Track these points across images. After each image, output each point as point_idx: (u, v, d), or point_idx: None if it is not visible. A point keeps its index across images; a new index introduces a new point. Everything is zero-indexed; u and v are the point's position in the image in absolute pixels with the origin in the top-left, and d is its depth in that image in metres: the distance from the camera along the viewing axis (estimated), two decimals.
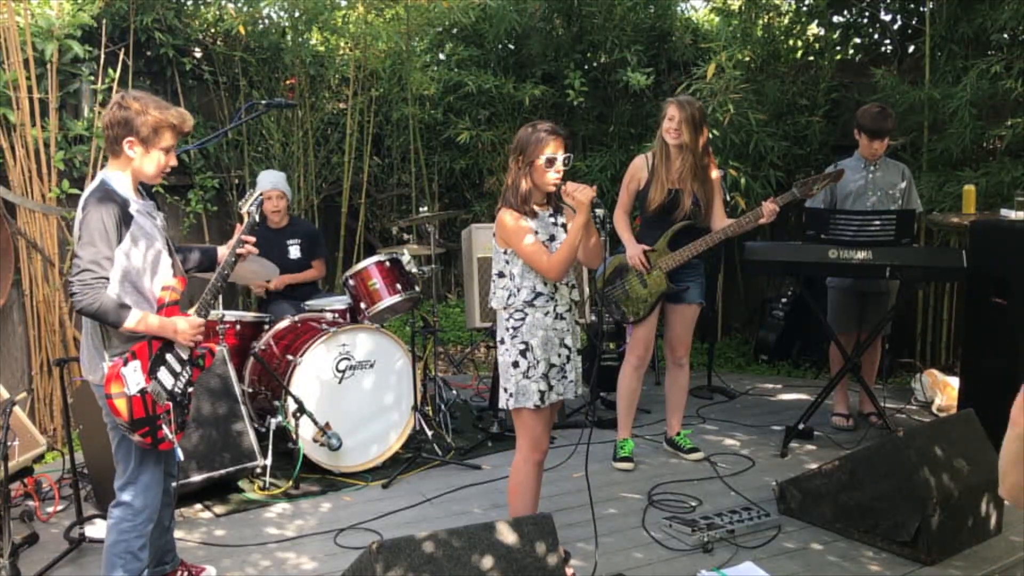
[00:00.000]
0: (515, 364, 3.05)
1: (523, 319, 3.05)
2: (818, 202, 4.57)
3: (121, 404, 2.70)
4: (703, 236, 4.12)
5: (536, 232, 3.04)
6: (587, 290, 5.20)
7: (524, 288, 3.05)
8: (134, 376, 2.73)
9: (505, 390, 3.09)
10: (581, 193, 2.93)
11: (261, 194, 3.22)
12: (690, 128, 4.03)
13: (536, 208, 3.08)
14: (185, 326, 2.84)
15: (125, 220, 2.73)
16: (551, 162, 3.00)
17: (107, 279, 2.68)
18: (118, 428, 2.80)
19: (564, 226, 3.13)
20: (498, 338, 3.14)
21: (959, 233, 5.20)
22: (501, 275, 3.12)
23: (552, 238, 3.09)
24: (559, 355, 3.09)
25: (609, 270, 4.29)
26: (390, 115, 6.76)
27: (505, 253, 3.08)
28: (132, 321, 2.70)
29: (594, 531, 3.28)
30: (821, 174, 4.29)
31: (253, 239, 3.06)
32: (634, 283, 4.19)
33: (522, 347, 3.05)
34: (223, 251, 3.13)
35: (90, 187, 2.79)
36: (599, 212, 3.01)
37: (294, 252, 5.15)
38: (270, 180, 5.06)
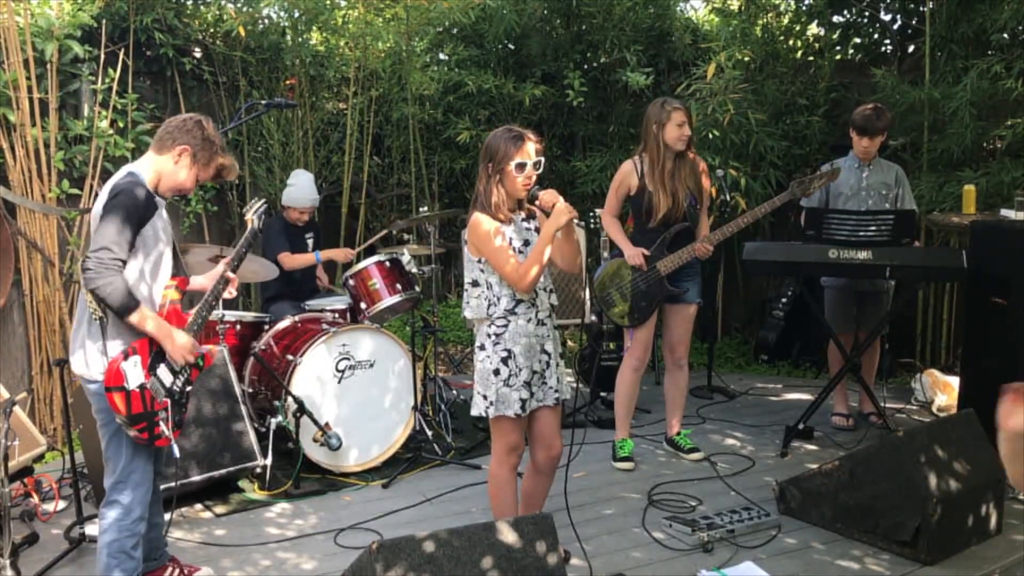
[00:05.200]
0: (496, 372, 3.00)
1: (505, 326, 3.00)
2: (812, 201, 4.58)
3: (119, 399, 2.71)
4: (700, 239, 4.15)
5: (511, 239, 3.00)
6: (586, 292, 5.20)
7: (504, 296, 3.00)
8: (134, 371, 2.74)
9: (484, 397, 3.02)
10: (560, 204, 2.87)
11: (265, 202, 3.23)
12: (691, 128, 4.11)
13: (510, 214, 3.03)
14: (184, 340, 2.85)
15: (149, 211, 2.79)
16: (521, 167, 2.94)
17: (124, 261, 2.71)
18: (110, 424, 2.81)
19: (538, 230, 3.06)
20: (477, 344, 3.08)
21: (959, 233, 5.20)
22: (475, 284, 3.04)
23: (527, 243, 3.04)
24: (540, 361, 3.06)
25: (607, 272, 4.29)
26: (390, 115, 6.76)
27: (480, 262, 3.02)
28: (136, 316, 2.71)
29: (575, 533, 3.28)
30: (818, 173, 4.30)
31: (236, 279, 3.09)
32: (632, 286, 4.19)
33: (504, 354, 2.99)
34: (201, 281, 3.12)
35: (118, 176, 2.83)
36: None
37: (311, 244, 5.22)
38: (309, 198, 5.07)
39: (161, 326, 2.80)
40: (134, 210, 2.72)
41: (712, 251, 4.17)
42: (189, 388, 2.96)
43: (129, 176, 2.81)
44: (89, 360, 2.79)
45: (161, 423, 2.80)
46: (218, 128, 2.97)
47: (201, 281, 3.11)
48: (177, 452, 2.90)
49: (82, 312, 2.84)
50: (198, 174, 2.92)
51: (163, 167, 2.87)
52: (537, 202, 2.95)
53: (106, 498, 2.87)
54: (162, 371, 2.83)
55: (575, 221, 2.93)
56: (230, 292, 3.09)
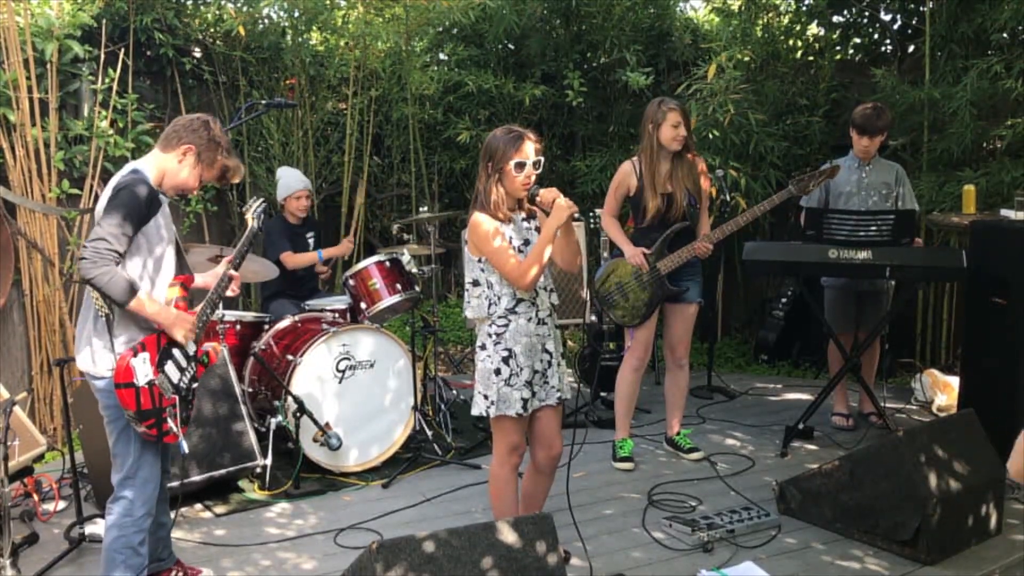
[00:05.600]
0: (497, 371, 2.99)
1: (506, 325, 3.00)
2: (812, 201, 4.58)
3: (129, 395, 2.72)
4: (700, 237, 4.15)
5: (511, 239, 3.00)
6: (587, 292, 5.20)
7: (504, 296, 3.00)
8: (143, 368, 2.75)
9: (485, 397, 3.02)
10: (561, 200, 2.87)
11: (264, 201, 3.23)
12: (688, 128, 4.09)
13: (509, 213, 3.03)
14: (187, 324, 2.86)
15: (152, 208, 2.79)
16: (521, 166, 2.94)
17: (120, 254, 2.70)
18: (118, 421, 2.81)
19: (538, 229, 3.07)
20: (478, 344, 3.08)
21: (959, 233, 5.21)
22: (476, 283, 3.04)
23: (527, 243, 3.04)
24: (541, 360, 3.06)
25: (607, 272, 4.29)
26: (390, 115, 6.76)
27: (480, 261, 3.02)
28: (135, 302, 2.71)
29: (578, 533, 3.29)
30: (816, 171, 4.30)
31: (239, 278, 3.09)
32: (633, 286, 4.19)
33: (505, 354, 2.99)
34: (203, 279, 3.12)
35: (122, 173, 2.84)
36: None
37: (312, 243, 5.23)
38: (301, 180, 5.14)
39: (160, 308, 2.81)
40: (136, 207, 2.72)
41: (712, 250, 4.17)
42: (195, 385, 2.97)
43: (133, 173, 2.81)
44: (96, 357, 2.79)
45: (169, 419, 2.81)
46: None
47: (203, 280, 3.12)
48: (186, 448, 2.91)
49: (87, 309, 2.84)
50: (202, 174, 2.93)
51: (167, 165, 2.88)
52: (538, 199, 2.95)
53: (114, 494, 2.87)
54: (170, 368, 2.84)
55: (575, 215, 2.93)
56: (233, 290, 3.09)
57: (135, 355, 2.74)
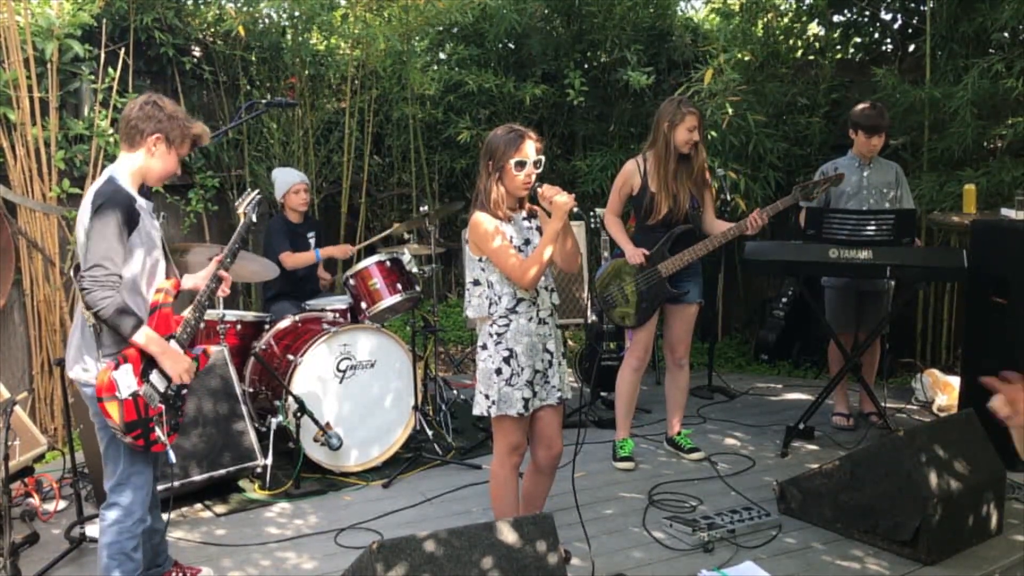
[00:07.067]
0: (498, 371, 2.99)
1: (507, 325, 2.99)
2: (812, 201, 4.58)
3: (113, 408, 2.69)
4: (701, 239, 4.13)
5: (511, 238, 3.00)
6: (587, 292, 5.20)
7: (505, 295, 3.00)
8: (126, 379, 2.71)
9: (487, 397, 3.02)
10: (560, 197, 2.88)
11: (259, 193, 3.20)
12: (701, 134, 4.11)
13: (510, 213, 3.03)
14: (185, 365, 2.83)
15: (133, 218, 2.75)
16: (521, 165, 2.95)
17: (120, 276, 2.68)
18: (107, 429, 2.80)
19: (539, 229, 3.08)
20: (479, 343, 3.08)
21: (959, 233, 5.20)
22: (476, 283, 3.05)
23: (527, 242, 3.04)
24: (542, 360, 3.06)
25: (608, 273, 4.29)
26: (390, 114, 6.76)
27: (480, 261, 3.02)
28: (140, 337, 2.70)
29: (584, 532, 3.28)
30: (821, 179, 4.29)
31: (230, 278, 3.05)
32: (633, 286, 4.19)
33: (506, 354, 2.99)
34: (194, 280, 3.08)
35: (99, 182, 2.79)
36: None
37: (313, 244, 5.21)
38: (297, 174, 5.14)
39: (162, 345, 2.78)
40: (121, 220, 2.68)
41: (765, 223, 4.09)
42: (184, 391, 2.93)
43: (109, 183, 2.76)
44: (86, 366, 2.78)
45: (156, 428, 2.77)
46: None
47: (193, 280, 3.08)
48: (173, 458, 2.86)
49: (78, 318, 2.82)
50: (178, 153, 2.87)
51: (141, 163, 2.83)
52: (540, 190, 2.95)
53: (106, 500, 2.86)
54: (155, 377, 2.79)
55: (573, 209, 2.93)
56: (223, 291, 3.04)
57: (117, 367, 2.70)
